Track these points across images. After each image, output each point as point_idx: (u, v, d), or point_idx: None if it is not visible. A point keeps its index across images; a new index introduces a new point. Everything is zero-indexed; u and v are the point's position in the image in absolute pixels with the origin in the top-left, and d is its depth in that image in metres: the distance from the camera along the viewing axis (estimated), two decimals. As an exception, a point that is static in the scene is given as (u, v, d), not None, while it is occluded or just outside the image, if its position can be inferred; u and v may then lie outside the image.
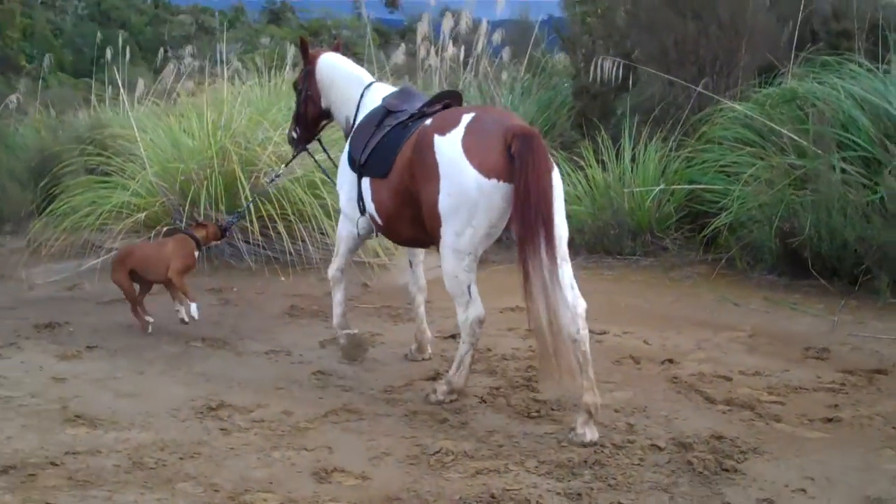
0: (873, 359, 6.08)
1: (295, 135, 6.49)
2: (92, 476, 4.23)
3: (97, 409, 5.12)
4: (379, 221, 5.57)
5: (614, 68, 9.22)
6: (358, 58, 14.96)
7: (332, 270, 6.10)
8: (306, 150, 6.60)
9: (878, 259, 7.18)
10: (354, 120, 5.94)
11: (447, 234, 5.00)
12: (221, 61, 13.70)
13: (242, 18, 67.99)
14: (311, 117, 6.35)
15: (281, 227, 8.22)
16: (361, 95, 6.00)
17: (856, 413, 5.13)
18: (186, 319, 6.69)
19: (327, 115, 6.32)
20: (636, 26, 10.44)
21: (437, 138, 5.02)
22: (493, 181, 4.84)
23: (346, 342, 6.05)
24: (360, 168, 5.60)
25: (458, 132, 4.98)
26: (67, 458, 4.42)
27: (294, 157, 6.87)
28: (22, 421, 4.92)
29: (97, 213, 8.48)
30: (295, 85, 6.47)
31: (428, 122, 5.24)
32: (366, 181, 5.58)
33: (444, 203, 4.96)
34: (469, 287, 5.08)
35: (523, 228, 4.71)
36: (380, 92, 5.96)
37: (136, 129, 9.18)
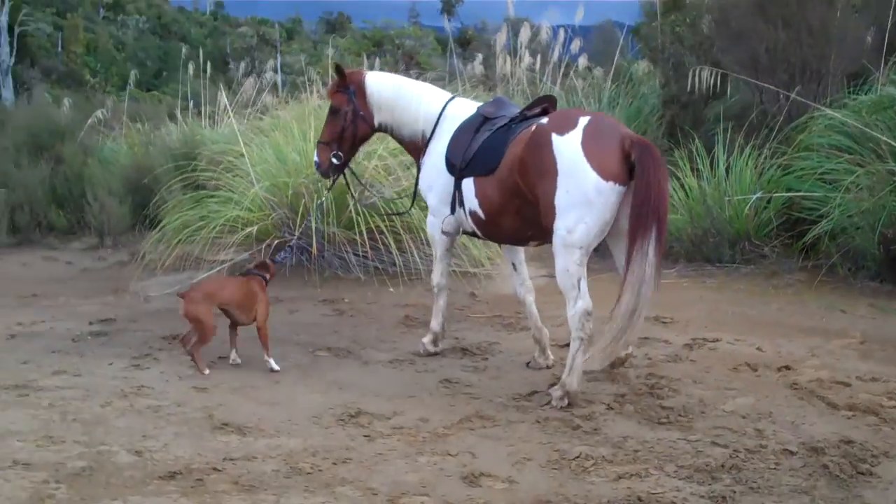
0: None
1: (336, 159, 6.62)
2: (255, 481, 4.47)
3: (242, 417, 5.37)
4: (482, 216, 5.98)
5: (711, 77, 9.33)
6: (424, 69, 15.19)
7: (437, 277, 6.53)
8: (350, 169, 7.01)
9: (982, 264, 7.24)
10: (433, 133, 6.37)
11: (560, 228, 5.44)
12: (304, 75, 14.04)
13: (300, 30, 68.80)
14: (360, 136, 6.69)
15: (389, 239, 8.45)
16: (442, 109, 6.40)
17: (979, 419, 5.23)
18: (276, 368, 6.29)
19: (374, 132, 6.75)
20: (725, 34, 10.53)
21: (555, 137, 5.47)
22: (611, 184, 5.33)
23: (424, 351, 6.60)
24: (460, 171, 6.06)
25: (576, 133, 5.43)
26: (227, 464, 4.67)
27: (335, 179, 6.98)
28: (174, 429, 5.19)
29: (210, 226, 8.76)
30: (336, 108, 6.59)
31: (543, 121, 5.67)
32: (468, 181, 6.02)
33: (561, 199, 5.41)
34: (579, 281, 5.50)
35: (639, 226, 5.22)
36: (461, 105, 6.43)
37: (242, 145, 9.48)
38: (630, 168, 5.31)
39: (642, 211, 5.21)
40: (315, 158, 6.72)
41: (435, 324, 6.60)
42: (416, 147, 6.53)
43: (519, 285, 6.49)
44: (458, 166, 6.07)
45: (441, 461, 4.76)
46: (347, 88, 6.53)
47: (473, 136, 6.06)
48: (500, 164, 5.80)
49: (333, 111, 6.59)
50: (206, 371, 6.19)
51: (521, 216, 5.81)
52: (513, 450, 4.90)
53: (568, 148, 5.39)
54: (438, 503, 4.27)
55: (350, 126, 6.56)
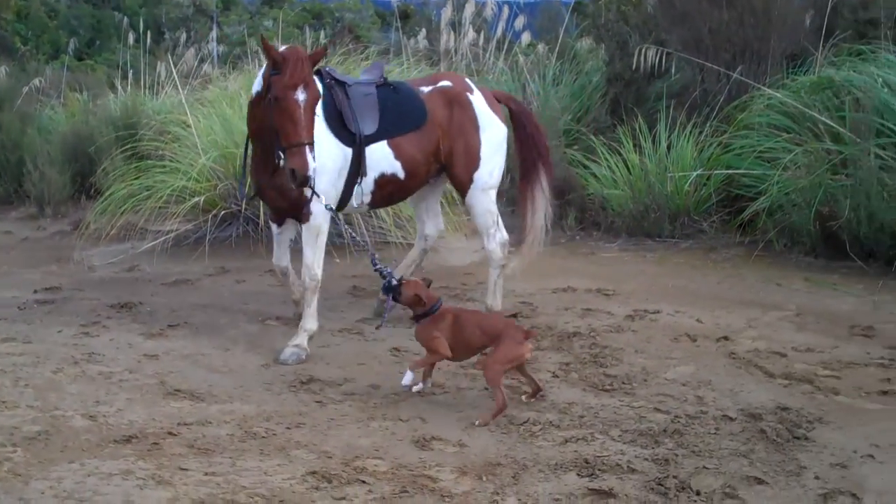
0: (918, 336, 6.40)
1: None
2: (211, 444, 4.55)
3: (194, 383, 5.45)
4: (401, 177, 6.26)
5: (655, 56, 9.50)
6: (365, 43, 15.19)
7: (319, 269, 6.11)
8: None
9: (914, 241, 7.51)
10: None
11: (483, 175, 6.49)
12: (243, 46, 13.97)
13: (237, 0, 67.75)
14: None
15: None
16: None
17: (909, 386, 5.46)
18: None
19: None
20: (670, 14, 10.70)
21: (470, 97, 6.48)
22: (507, 131, 6.66)
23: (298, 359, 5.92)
24: (367, 137, 6.09)
25: (479, 94, 6.55)
26: (182, 429, 4.74)
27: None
28: (126, 395, 5.24)
29: (155, 196, 8.74)
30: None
31: (447, 83, 6.54)
32: (379, 146, 6.16)
33: (485, 150, 6.45)
34: (497, 217, 6.60)
35: (530, 158, 6.72)
36: None
37: (188, 114, 9.46)
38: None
39: (530, 150, 6.69)
40: (312, 164, 5.43)
41: (314, 322, 6.08)
42: None
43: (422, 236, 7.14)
44: (360, 133, 6.03)
45: (392, 426, 4.87)
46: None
47: (349, 102, 6.08)
48: (427, 121, 6.26)
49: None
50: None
51: (427, 172, 6.44)
52: (462, 415, 5.02)
53: (480, 105, 6.47)
54: (392, 465, 4.38)
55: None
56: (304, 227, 6.02)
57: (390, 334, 6.42)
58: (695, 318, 6.78)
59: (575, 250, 8.98)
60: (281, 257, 6.46)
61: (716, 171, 9.14)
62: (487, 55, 14.58)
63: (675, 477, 4.22)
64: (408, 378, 5.21)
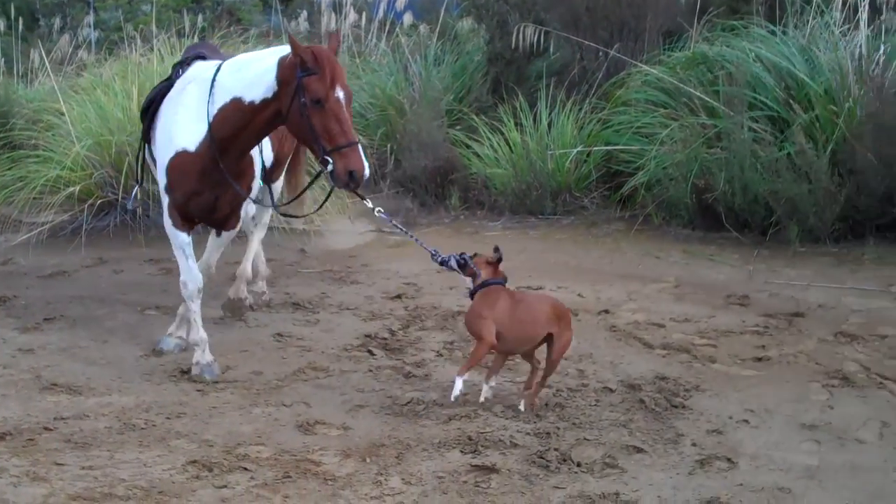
0: (790, 303, 6.60)
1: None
2: (88, 438, 4.46)
3: (71, 376, 5.32)
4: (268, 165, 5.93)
5: (534, 35, 9.57)
6: (245, 26, 15.00)
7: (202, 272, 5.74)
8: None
9: (787, 211, 7.72)
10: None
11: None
12: (121, 32, 13.65)
13: (111, -17, 66.14)
14: None
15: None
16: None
17: (782, 352, 5.65)
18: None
19: None
20: (547, -7, 10.80)
21: None
22: None
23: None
24: None
25: None
26: (58, 423, 4.64)
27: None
28: (0, 391, 5.08)
29: (29, 187, 8.48)
30: None
31: None
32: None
33: None
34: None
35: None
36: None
37: (62, 102, 9.20)
38: None
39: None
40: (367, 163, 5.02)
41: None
42: None
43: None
44: None
45: (276, 412, 4.84)
46: None
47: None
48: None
49: None
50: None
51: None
52: (346, 398, 5.02)
53: None
54: (274, 451, 4.36)
55: None
56: (227, 234, 5.83)
57: (273, 320, 6.36)
58: (576, 293, 6.87)
59: (459, 229, 9.01)
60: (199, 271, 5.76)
61: (595, 148, 9.26)
62: (369, 36, 14.50)
63: (556, 449, 4.28)
64: (458, 388, 4.82)
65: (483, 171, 9.57)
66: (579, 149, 9.26)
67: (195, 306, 5.54)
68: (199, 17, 18.64)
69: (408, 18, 16.48)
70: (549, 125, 9.58)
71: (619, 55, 9.90)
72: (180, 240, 5.58)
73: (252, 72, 5.13)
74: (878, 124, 7.74)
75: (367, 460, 4.26)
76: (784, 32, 9.17)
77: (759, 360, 5.54)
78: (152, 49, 10.23)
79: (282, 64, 4.98)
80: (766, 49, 8.82)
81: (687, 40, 10.18)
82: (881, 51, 8.36)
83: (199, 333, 5.50)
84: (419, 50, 12.25)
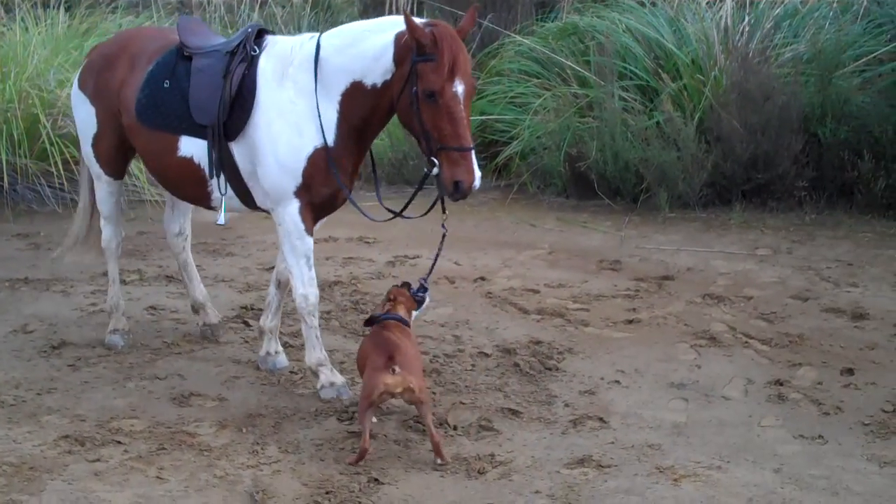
0: (660, 267, 6.78)
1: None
2: (-48, 417, 4.33)
3: (-67, 355, 5.15)
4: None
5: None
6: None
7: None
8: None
9: (657, 178, 7.94)
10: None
11: None
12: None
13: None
14: None
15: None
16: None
17: (652, 314, 5.81)
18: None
19: None
20: (420, -36, 10.79)
21: None
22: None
23: None
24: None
25: None
26: (-80, 404, 4.49)
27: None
28: None
29: None
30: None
31: None
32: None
33: None
34: None
35: None
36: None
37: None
38: None
39: None
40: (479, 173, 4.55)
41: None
42: None
43: None
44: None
45: (150, 385, 4.78)
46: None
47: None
48: None
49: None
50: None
51: None
52: (222, 370, 4.98)
53: None
54: (149, 424, 4.31)
55: None
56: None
57: (146, 293, 6.25)
58: (453, 262, 6.91)
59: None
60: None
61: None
62: (242, 7, 14.26)
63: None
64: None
65: (358, 142, 9.52)
66: (454, 118, 9.29)
67: (316, 321, 4.73)
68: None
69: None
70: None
71: (492, 25, 9.98)
72: (308, 246, 4.77)
73: (369, 49, 4.37)
74: (742, 93, 8.00)
75: (244, 430, 4.25)
76: (653, 4, 9.39)
77: (630, 322, 5.68)
78: (14, 20, 9.88)
79: (398, 42, 4.27)
80: (635, 20, 9.04)
81: (559, 11, 10.32)
82: (745, 22, 8.63)
83: (321, 352, 4.74)
84: (293, 21, 12.13)
